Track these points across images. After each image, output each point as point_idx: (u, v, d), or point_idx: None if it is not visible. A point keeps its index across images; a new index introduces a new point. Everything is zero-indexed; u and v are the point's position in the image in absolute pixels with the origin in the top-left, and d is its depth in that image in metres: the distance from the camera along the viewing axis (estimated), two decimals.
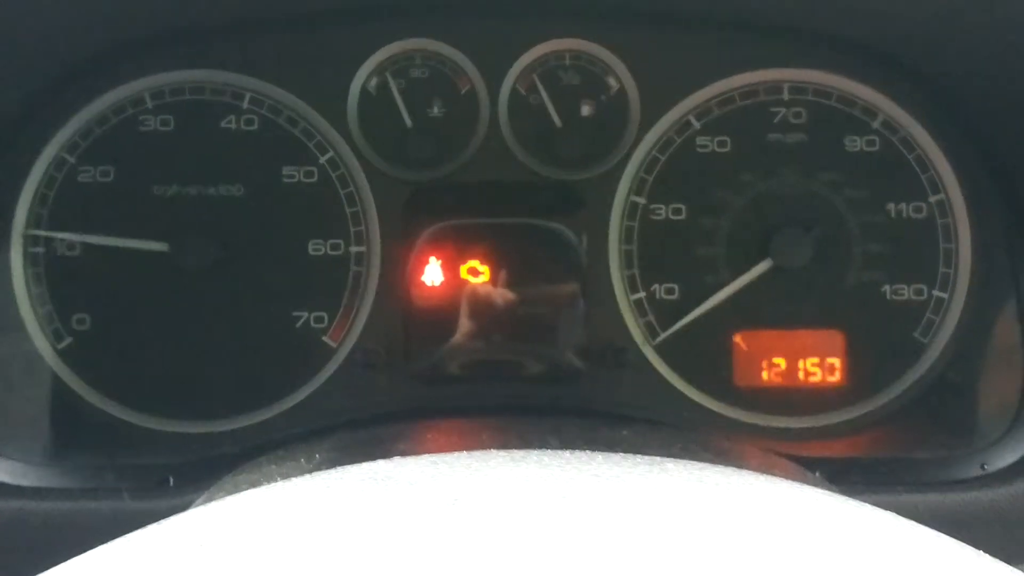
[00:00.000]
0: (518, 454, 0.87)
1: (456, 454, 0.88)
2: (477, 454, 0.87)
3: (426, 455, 0.88)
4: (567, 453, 0.88)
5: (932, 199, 1.78)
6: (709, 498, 0.77)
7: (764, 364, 1.77)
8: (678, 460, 0.89)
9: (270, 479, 0.90)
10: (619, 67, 1.79)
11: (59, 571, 0.68)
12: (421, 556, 0.63)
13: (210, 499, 1.05)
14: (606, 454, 0.89)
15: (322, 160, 1.78)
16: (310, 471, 0.89)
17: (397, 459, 0.88)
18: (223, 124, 1.78)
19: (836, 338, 1.77)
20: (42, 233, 1.74)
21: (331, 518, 0.72)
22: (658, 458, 0.90)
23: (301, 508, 0.76)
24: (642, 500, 0.75)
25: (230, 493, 0.88)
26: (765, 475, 0.88)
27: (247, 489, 0.84)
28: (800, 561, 0.64)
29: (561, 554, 0.63)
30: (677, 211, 1.79)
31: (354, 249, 1.77)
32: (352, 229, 1.77)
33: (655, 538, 0.66)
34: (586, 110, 1.80)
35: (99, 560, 0.69)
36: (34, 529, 1.43)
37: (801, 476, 1.30)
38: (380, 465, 0.86)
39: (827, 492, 0.84)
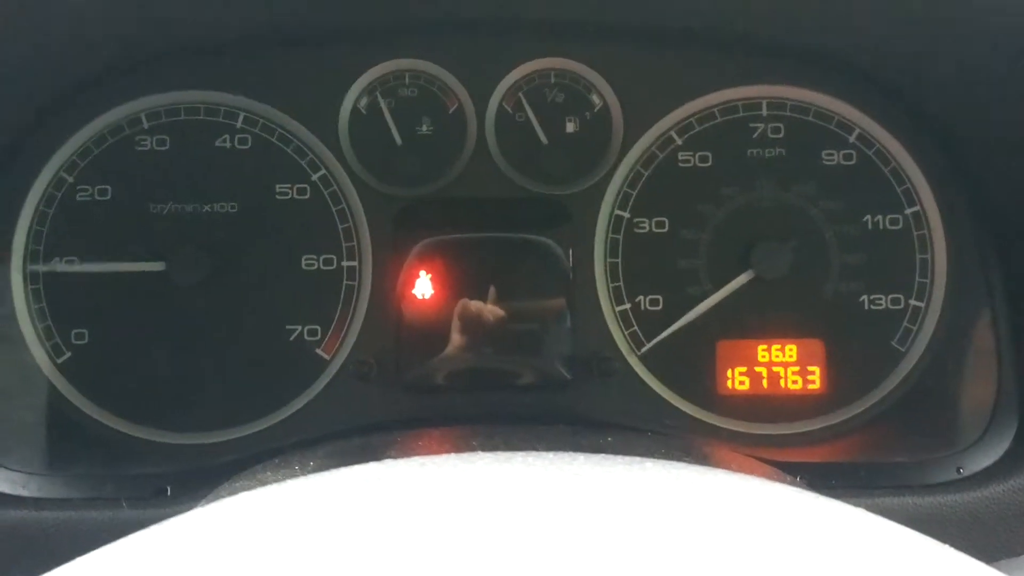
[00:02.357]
0: (503, 455, 0.91)
1: (444, 456, 0.92)
2: (464, 456, 0.91)
3: (415, 457, 0.92)
4: (550, 455, 0.92)
5: (908, 211, 1.82)
6: (685, 494, 0.80)
7: (746, 373, 1.81)
8: (657, 460, 0.93)
9: (265, 486, 0.93)
10: (602, 85, 1.83)
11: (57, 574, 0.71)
12: (411, 552, 0.66)
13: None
14: (588, 455, 0.92)
15: (314, 177, 1.82)
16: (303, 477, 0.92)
17: (387, 462, 0.91)
18: (217, 143, 1.81)
19: (816, 347, 1.81)
20: (41, 269, 1.77)
21: (322, 517, 0.75)
22: (637, 458, 0.93)
23: (293, 509, 0.79)
24: (621, 495, 0.78)
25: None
26: (741, 474, 0.91)
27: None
28: (772, 552, 0.68)
29: (545, 546, 0.66)
30: (660, 224, 1.83)
31: (346, 264, 1.81)
32: (344, 244, 1.81)
33: (634, 531, 0.69)
34: (571, 127, 1.84)
35: (96, 562, 0.72)
36: (34, 539, 1.45)
37: (779, 478, 1.33)
38: (370, 467, 0.89)
39: (800, 490, 0.87)
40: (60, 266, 1.77)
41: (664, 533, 0.69)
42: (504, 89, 1.83)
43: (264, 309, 1.79)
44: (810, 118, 1.84)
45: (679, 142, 1.84)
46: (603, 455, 0.94)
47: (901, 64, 1.73)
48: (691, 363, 1.82)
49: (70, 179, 1.79)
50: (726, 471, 0.92)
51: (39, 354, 1.77)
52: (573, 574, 0.62)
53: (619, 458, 0.92)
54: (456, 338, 1.78)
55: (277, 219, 1.80)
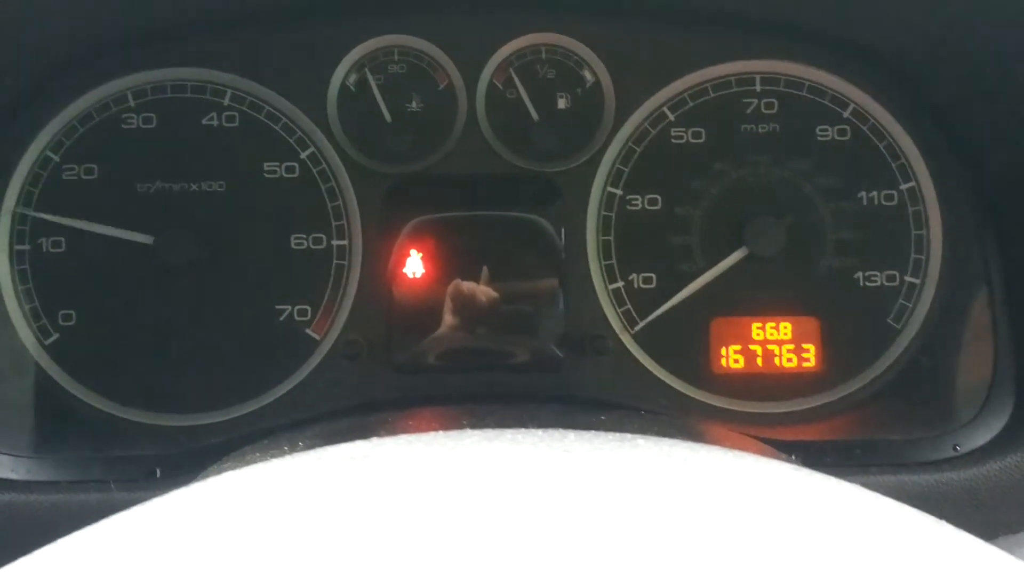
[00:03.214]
0: (492, 433, 0.89)
1: (432, 434, 0.90)
2: (452, 434, 0.90)
3: (403, 435, 0.91)
4: (540, 432, 0.90)
5: (903, 187, 1.80)
6: (677, 470, 0.79)
7: (740, 351, 1.80)
8: (648, 437, 0.92)
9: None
10: (594, 60, 1.81)
11: (43, 555, 0.70)
12: (399, 530, 0.65)
13: None
14: (578, 432, 0.91)
15: (303, 155, 1.80)
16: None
17: (375, 440, 0.90)
18: (205, 121, 1.79)
19: (811, 324, 1.80)
20: (31, 213, 1.75)
21: (310, 495, 0.74)
22: (628, 435, 0.92)
23: (281, 486, 0.78)
24: (611, 471, 0.77)
25: None
26: (734, 451, 0.90)
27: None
28: (766, 527, 0.67)
29: (533, 523, 0.65)
30: (653, 201, 1.81)
31: (336, 243, 1.79)
32: (334, 223, 1.79)
33: (624, 507, 0.68)
34: (562, 103, 1.82)
35: (85, 540, 0.71)
36: (23, 521, 1.44)
37: (772, 455, 1.32)
38: (358, 446, 0.88)
39: (793, 467, 0.86)
40: (52, 218, 1.75)
41: (656, 509, 0.68)
42: (495, 65, 1.81)
43: (253, 289, 1.78)
44: (804, 93, 1.82)
45: (672, 118, 1.82)
46: (594, 432, 0.92)
47: (895, 38, 1.71)
48: (685, 341, 1.81)
49: (56, 158, 1.77)
50: (719, 448, 0.91)
51: (26, 335, 1.75)
52: (562, 549, 0.61)
53: (610, 435, 0.91)
54: (448, 318, 1.77)
55: (265, 198, 1.79)
